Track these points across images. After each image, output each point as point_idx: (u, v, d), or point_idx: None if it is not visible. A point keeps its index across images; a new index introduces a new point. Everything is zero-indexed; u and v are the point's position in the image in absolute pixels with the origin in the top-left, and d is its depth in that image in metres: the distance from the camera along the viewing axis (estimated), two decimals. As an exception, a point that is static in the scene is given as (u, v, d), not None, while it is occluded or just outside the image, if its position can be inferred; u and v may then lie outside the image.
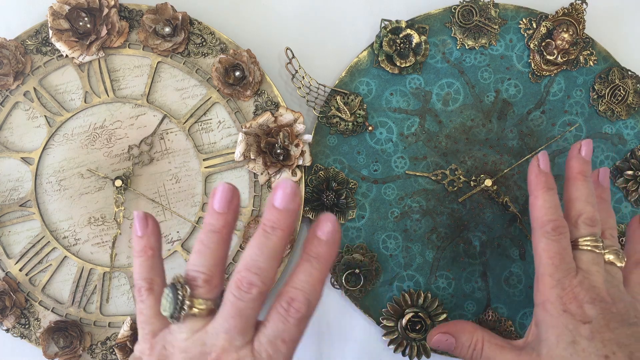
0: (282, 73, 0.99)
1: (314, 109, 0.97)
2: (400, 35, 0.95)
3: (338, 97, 0.96)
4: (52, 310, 0.95)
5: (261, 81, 0.95)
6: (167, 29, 0.93)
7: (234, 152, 0.95)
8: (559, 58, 0.96)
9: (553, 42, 0.96)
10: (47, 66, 0.94)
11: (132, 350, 0.92)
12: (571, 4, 0.95)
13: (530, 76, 0.98)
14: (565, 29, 0.95)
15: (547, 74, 0.97)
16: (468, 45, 0.97)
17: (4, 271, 0.95)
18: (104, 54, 0.94)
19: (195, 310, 0.65)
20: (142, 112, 0.95)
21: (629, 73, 0.97)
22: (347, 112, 0.96)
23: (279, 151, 0.93)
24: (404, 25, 0.96)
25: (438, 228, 0.98)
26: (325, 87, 0.97)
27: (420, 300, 0.96)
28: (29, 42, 0.94)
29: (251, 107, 0.95)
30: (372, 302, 0.98)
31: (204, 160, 0.95)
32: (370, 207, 0.97)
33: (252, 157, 0.93)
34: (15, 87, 0.94)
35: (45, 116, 0.94)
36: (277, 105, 0.95)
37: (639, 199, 0.98)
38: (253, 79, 0.93)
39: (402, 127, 0.98)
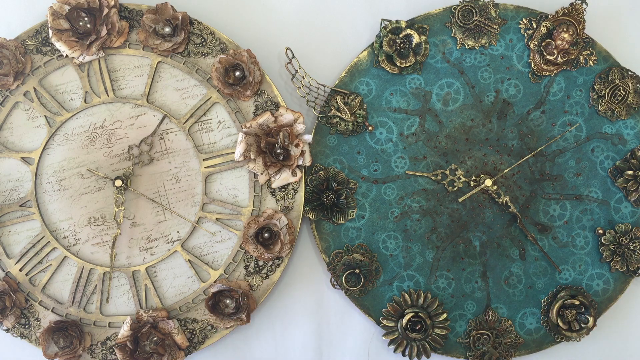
0: (282, 73, 0.99)
1: (314, 109, 0.97)
2: (400, 35, 0.95)
3: (338, 97, 0.96)
4: (52, 310, 0.95)
5: (261, 81, 0.95)
6: (167, 29, 0.93)
7: (234, 152, 0.95)
8: (559, 58, 0.96)
9: (553, 42, 0.95)
10: (47, 66, 0.94)
11: (132, 350, 0.92)
12: (571, 4, 0.95)
13: (530, 76, 0.98)
14: (565, 29, 0.95)
15: (547, 74, 0.97)
16: (468, 45, 0.97)
17: (4, 271, 0.95)
18: (104, 54, 0.94)
19: None
20: (142, 112, 0.95)
21: (629, 73, 0.97)
22: (347, 112, 0.96)
23: (279, 151, 0.93)
24: (404, 25, 0.95)
25: (438, 228, 0.98)
26: (325, 87, 0.96)
27: (420, 300, 0.96)
28: (29, 42, 0.94)
29: (251, 107, 0.95)
30: (372, 302, 0.97)
31: (204, 160, 0.95)
32: (370, 207, 0.97)
33: (252, 157, 0.93)
34: (15, 87, 0.94)
35: (45, 116, 0.94)
36: (277, 105, 0.95)
37: (639, 199, 0.98)
38: (253, 79, 0.93)
39: (402, 127, 0.98)
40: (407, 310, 0.95)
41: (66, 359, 0.93)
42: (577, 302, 0.96)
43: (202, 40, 0.95)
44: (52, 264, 0.95)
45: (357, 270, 0.95)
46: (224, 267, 0.95)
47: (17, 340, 0.97)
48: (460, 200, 0.96)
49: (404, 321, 0.95)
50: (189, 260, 0.95)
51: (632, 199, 0.98)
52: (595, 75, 0.98)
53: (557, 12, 0.96)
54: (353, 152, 0.97)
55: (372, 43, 0.97)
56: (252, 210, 0.95)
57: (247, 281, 0.95)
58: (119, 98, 0.95)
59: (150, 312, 0.94)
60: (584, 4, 0.95)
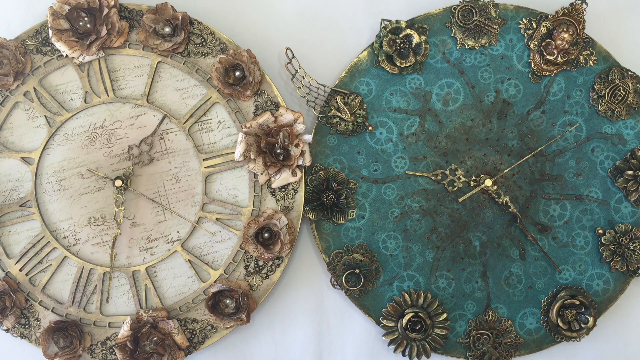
0: (282, 73, 0.99)
1: (314, 109, 0.97)
2: (400, 35, 0.95)
3: (338, 97, 0.96)
4: (52, 310, 0.95)
5: (261, 81, 0.95)
6: (167, 29, 0.93)
7: (234, 152, 0.95)
8: (559, 58, 0.96)
9: (553, 42, 0.95)
10: (47, 66, 0.94)
11: (132, 350, 0.92)
12: (571, 4, 0.95)
13: (530, 76, 0.98)
14: (565, 29, 0.95)
15: (547, 74, 0.97)
16: (468, 45, 0.97)
17: (4, 271, 0.95)
18: (104, 54, 0.94)
19: None
20: (142, 112, 0.95)
21: (629, 73, 0.97)
22: (347, 112, 0.96)
23: (279, 151, 0.93)
24: (404, 25, 0.96)
25: (438, 228, 0.98)
26: (325, 87, 0.97)
27: (420, 300, 0.96)
28: (29, 42, 0.94)
29: (251, 107, 0.95)
30: (372, 302, 0.97)
31: (204, 160, 0.95)
32: (370, 207, 0.97)
33: (252, 157, 0.93)
34: (15, 87, 0.94)
35: (45, 116, 0.94)
36: (277, 105, 0.95)
37: (639, 199, 0.98)
38: (253, 79, 0.93)
39: (402, 127, 0.98)
40: (407, 310, 0.95)
41: (66, 359, 0.93)
42: (577, 302, 0.96)
43: (202, 40, 0.95)
44: (52, 264, 0.95)
45: (357, 270, 0.95)
46: (224, 267, 0.95)
47: (17, 340, 0.97)
48: (460, 200, 0.96)
49: (404, 321, 0.95)
50: (189, 260, 0.95)
51: (632, 199, 0.98)
52: (595, 75, 0.98)
53: (557, 12, 0.96)
54: (353, 152, 0.97)
55: (372, 43, 0.97)
56: (252, 210, 0.95)
57: (247, 281, 0.95)
58: (119, 98, 0.95)
59: (150, 312, 0.94)
60: (584, 4, 0.95)
